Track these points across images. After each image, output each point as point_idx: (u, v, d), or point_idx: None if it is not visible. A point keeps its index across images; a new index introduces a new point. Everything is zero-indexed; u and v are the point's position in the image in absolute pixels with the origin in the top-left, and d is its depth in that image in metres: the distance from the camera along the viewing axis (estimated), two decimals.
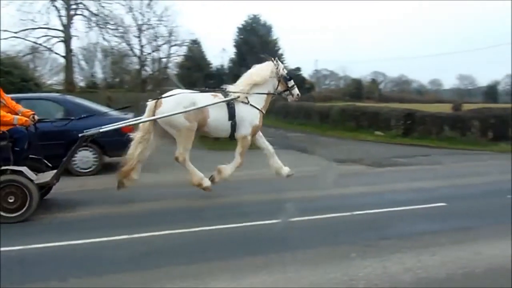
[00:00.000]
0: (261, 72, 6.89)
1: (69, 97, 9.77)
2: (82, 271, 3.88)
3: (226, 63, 40.18)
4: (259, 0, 62.65)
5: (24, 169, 5.47)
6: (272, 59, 7.09)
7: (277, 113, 24.26)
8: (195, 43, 34.97)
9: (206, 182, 6.52)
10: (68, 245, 4.54)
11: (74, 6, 27.37)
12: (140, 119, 6.58)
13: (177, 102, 6.41)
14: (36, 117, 5.86)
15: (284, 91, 7.12)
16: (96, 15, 27.57)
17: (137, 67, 31.01)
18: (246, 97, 6.69)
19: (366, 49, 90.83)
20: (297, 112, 24.05)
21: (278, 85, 7.04)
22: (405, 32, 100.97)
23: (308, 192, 7.01)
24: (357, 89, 50.92)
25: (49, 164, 6.15)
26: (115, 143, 7.77)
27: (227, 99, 6.60)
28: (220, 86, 7.03)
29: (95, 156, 8.59)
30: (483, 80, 73.33)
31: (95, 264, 4.06)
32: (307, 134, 18.06)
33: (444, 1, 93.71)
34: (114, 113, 8.72)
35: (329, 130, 19.13)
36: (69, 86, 26.49)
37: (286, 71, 7.15)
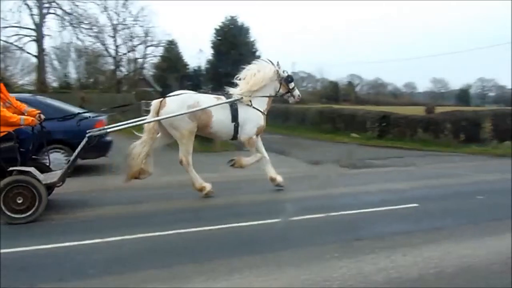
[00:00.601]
0: (262, 75, 6.98)
1: (40, 98, 9.47)
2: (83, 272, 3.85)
3: (203, 64, 40.00)
4: (236, 0, 62.47)
5: (32, 169, 5.45)
6: (272, 62, 7.21)
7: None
8: (171, 43, 34.70)
9: (208, 187, 6.64)
10: (66, 247, 4.48)
11: (46, 5, 26.81)
12: (144, 119, 6.67)
13: (182, 102, 6.49)
14: (42, 116, 5.83)
15: (286, 93, 7.31)
16: (69, 14, 27.11)
17: (112, 67, 30.57)
18: (250, 100, 6.84)
19: (343, 52, 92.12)
20: (274, 114, 24.09)
21: (280, 88, 7.20)
22: (381, 35, 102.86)
23: (283, 194, 7.02)
24: (334, 91, 51.55)
25: (48, 164, 6.09)
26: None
27: (230, 100, 6.74)
28: (223, 89, 7.18)
29: (67, 158, 8.37)
30: (455, 83, 75.20)
31: (88, 267, 3.97)
32: (284, 136, 18.11)
33: (420, 6, 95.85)
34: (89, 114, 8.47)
35: (306, 132, 19.26)
36: (41, 86, 25.90)
37: (287, 74, 7.30)
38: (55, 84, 31.79)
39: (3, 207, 5.21)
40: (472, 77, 68.79)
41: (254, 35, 40.27)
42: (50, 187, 5.80)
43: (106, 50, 29.72)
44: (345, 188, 7.70)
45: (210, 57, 38.90)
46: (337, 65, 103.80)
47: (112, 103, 18.40)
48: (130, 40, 29.93)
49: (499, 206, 6.43)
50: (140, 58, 31.26)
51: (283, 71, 7.23)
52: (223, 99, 6.81)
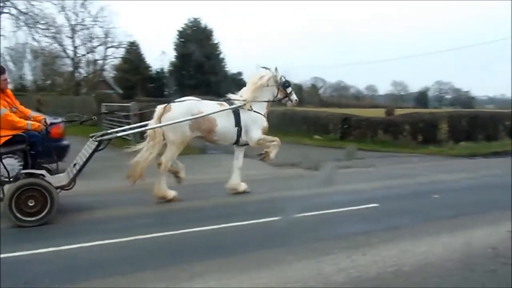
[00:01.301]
0: (261, 81, 7.21)
1: None
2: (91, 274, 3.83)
3: (166, 66, 39.53)
4: (198, 0, 62.09)
5: (44, 172, 5.53)
6: (270, 68, 7.39)
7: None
8: (133, 45, 34.05)
9: (171, 194, 6.58)
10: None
11: (0, 4, 25.62)
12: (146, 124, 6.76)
13: (186, 109, 6.60)
14: (48, 121, 5.94)
15: (284, 97, 7.53)
16: (25, 13, 26.03)
17: (70, 69, 29.60)
18: (250, 105, 7.06)
19: (307, 55, 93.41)
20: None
21: (277, 93, 7.43)
22: (343, 39, 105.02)
23: (246, 197, 7.01)
24: (297, 94, 51.96)
25: (50, 168, 5.95)
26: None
27: (233, 106, 6.94)
28: (225, 95, 7.32)
29: (20, 164, 7.97)
30: (414, 86, 77.81)
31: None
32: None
33: (382, 12, 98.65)
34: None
35: (269, 134, 19.31)
36: None
37: (284, 79, 7.46)
38: (10, 86, 30.43)
39: (14, 210, 5.16)
40: (430, 80, 71.55)
41: (218, 37, 40.21)
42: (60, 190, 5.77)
43: (64, 51, 28.81)
44: (307, 190, 7.76)
45: (173, 59, 38.60)
46: (301, 67, 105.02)
47: (70, 106, 17.84)
48: (90, 41, 29.11)
49: (454, 205, 6.69)
50: (100, 60, 30.43)
51: (281, 77, 7.41)
52: (225, 105, 6.99)
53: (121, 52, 32.00)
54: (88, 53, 29.44)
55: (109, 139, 6.09)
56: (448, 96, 71.99)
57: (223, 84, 35.96)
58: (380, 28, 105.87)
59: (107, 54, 30.34)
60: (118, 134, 6.41)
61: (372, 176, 9.40)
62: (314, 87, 63.68)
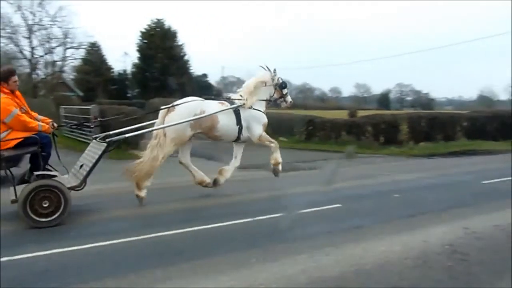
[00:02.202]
0: (259, 80, 7.55)
1: None
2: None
3: (129, 67, 38.78)
4: (161, 0, 61.33)
5: (57, 173, 5.68)
6: (269, 69, 7.67)
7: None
8: (93, 46, 33.16)
9: (142, 195, 6.53)
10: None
11: None
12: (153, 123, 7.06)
13: (189, 109, 6.83)
14: (55, 124, 6.07)
15: (279, 98, 7.83)
16: None
17: (28, 70, 28.42)
18: (250, 103, 7.33)
19: (272, 57, 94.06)
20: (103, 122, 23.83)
21: (274, 93, 7.72)
22: (308, 41, 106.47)
23: (209, 200, 6.99)
24: None
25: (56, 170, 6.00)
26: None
27: (234, 106, 7.20)
28: (226, 95, 7.86)
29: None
30: (377, 88, 79.87)
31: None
32: (213, 141, 18.01)
33: (345, 15, 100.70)
34: None
35: None
36: None
37: (281, 80, 7.77)
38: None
39: (29, 211, 5.20)
40: (391, 83, 73.69)
41: (182, 38, 39.81)
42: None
43: (21, 52, 27.67)
44: (271, 192, 7.78)
45: (136, 61, 37.87)
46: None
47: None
48: (48, 42, 28.06)
49: (414, 204, 6.88)
50: (59, 61, 29.36)
51: (278, 78, 7.70)
52: (226, 104, 7.23)
53: (81, 53, 31.08)
54: (46, 54, 28.40)
55: (118, 140, 6.25)
56: (409, 98, 74.33)
57: (187, 86, 35.69)
58: (344, 31, 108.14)
59: (67, 55, 29.30)
60: (127, 135, 6.56)
61: (336, 177, 9.53)
62: None
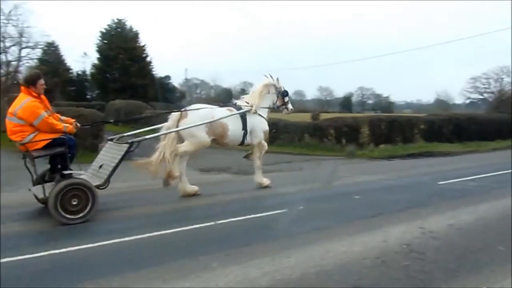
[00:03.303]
0: (264, 87, 8.11)
1: None
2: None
3: (88, 68, 37.74)
4: (121, 0, 60.12)
5: (83, 173, 6.10)
6: (272, 77, 8.26)
7: (144, 122, 23.33)
8: (51, 45, 32.01)
9: (176, 180, 7.22)
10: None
11: None
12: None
13: (201, 116, 7.23)
14: (78, 125, 6.25)
15: (281, 105, 8.42)
16: None
17: None
18: (255, 110, 7.85)
19: (235, 60, 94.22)
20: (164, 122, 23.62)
21: (277, 100, 8.33)
22: (272, 44, 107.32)
23: (172, 205, 6.88)
24: (227, 98, 52.26)
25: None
26: None
27: (242, 111, 7.66)
28: (231, 101, 8.42)
29: None
30: (339, 91, 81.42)
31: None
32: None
33: (309, 18, 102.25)
34: None
35: None
36: None
37: (283, 89, 8.37)
38: None
39: (59, 209, 5.42)
40: (353, 86, 75.42)
41: (144, 39, 39.16)
42: None
43: None
44: (235, 195, 7.76)
45: (96, 62, 36.90)
46: (230, 72, 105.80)
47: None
48: (2, 41, 26.83)
49: (373, 204, 7.03)
50: (14, 61, 28.13)
51: (280, 86, 8.32)
52: (233, 110, 7.68)
53: (37, 53, 29.90)
54: (0, 53, 27.16)
55: (139, 142, 6.53)
56: (370, 101, 76.26)
57: (150, 88, 35.09)
58: (308, 34, 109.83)
59: (22, 55, 28.09)
60: (147, 137, 6.93)
61: (298, 179, 9.62)
62: (244, 92, 64.22)
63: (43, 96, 5.97)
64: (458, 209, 6.60)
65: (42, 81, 5.93)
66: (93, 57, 37.70)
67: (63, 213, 5.45)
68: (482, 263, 4.29)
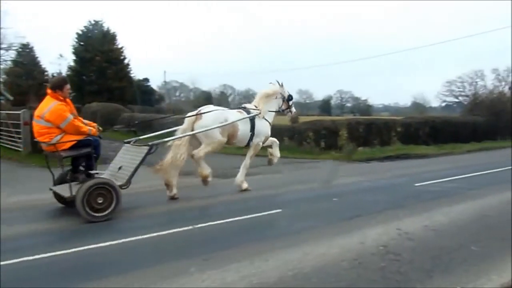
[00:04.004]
0: (271, 92, 8.59)
1: None
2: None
3: (64, 70, 37.05)
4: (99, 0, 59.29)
5: (106, 173, 6.45)
6: (278, 83, 8.72)
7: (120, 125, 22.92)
8: (26, 47, 31.29)
9: (210, 177, 7.76)
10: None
11: None
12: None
13: (214, 118, 7.59)
14: (100, 128, 6.59)
15: (286, 109, 8.91)
16: None
17: None
18: (263, 114, 8.31)
19: (215, 62, 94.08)
20: (142, 125, 23.29)
21: (282, 104, 8.81)
22: (252, 47, 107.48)
23: (145, 210, 6.79)
24: (207, 101, 52.07)
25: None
26: None
27: (252, 114, 8.11)
28: (242, 105, 8.74)
29: None
30: (319, 94, 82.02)
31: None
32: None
33: (290, 22, 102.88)
34: None
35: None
36: None
37: (288, 93, 8.87)
38: None
39: (86, 207, 5.67)
40: (332, 89, 76.11)
41: (122, 41, 38.70)
42: None
43: None
44: (213, 198, 7.71)
45: (72, 64, 36.28)
46: (209, 75, 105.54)
47: None
48: None
49: (351, 207, 7.11)
50: None
51: (286, 91, 8.81)
52: (243, 112, 8.11)
53: (12, 54, 29.25)
54: None
55: (158, 144, 6.89)
56: (348, 104, 77.20)
57: (128, 91, 34.65)
58: (289, 37, 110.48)
59: None
60: (166, 139, 7.35)
61: (277, 182, 9.64)
62: (223, 95, 64.21)
63: (68, 100, 6.31)
64: (433, 210, 6.72)
65: (68, 86, 6.30)
66: (69, 59, 37.12)
67: (89, 211, 5.72)
68: (456, 263, 4.38)
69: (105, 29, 37.02)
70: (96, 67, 33.92)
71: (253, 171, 10.57)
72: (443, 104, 50.06)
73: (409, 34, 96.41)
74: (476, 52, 75.75)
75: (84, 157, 6.21)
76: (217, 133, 7.59)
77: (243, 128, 7.99)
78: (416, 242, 5.06)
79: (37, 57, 34.38)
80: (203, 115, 7.62)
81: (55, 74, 34.97)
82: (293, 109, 9.11)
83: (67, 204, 6.24)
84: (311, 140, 16.98)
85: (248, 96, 70.17)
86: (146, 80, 43.87)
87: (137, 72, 52.41)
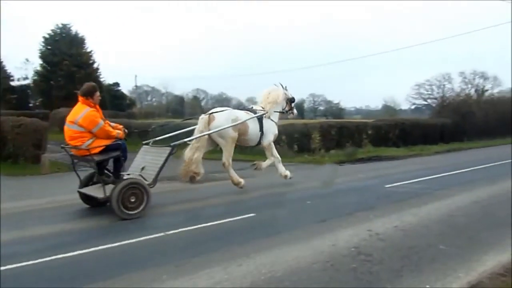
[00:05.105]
0: (277, 95, 9.28)
1: None
2: None
3: (30, 75, 36.02)
4: (66, 0, 58.01)
5: (136, 174, 6.84)
6: (282, 86, 9.47)
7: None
8: None
9: (243, 182, 8.60)
10: None
11: None
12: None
13: (226, 117, 8.34)
14: (126, 131, 6.97)
15: (288, 110, 9.64)
16: None
17: None
18: (269, 115, 9.03)
19: (187, 66, 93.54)
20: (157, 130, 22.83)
21: (286, 106, 9.51)
22: (224, 51, 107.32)
23: (112, 217, 6.59)
24: (179, 105, 51.71)
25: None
26: None
27: (259, 114, 8.82)
28: (251, 107, 9.50)
29: None
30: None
31: None
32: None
33: (262, 25, 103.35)
34: None
35: None
36: None
37: (291, 96, 9.58)
38: None
39: (121, 205, 6.10)
40: (305, 93, 76.76)
41: (91, 45, 37.94)
42: None
43: None
44: (185, 204, 7.63)
45: (39, 68, 35.29)
46: (182, 79, 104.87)
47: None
48: None
49: (324, 209, 7.17)
50: None
51: (289, 94, 9.53)
52: (251, 114, 8.75)
53: None
54: None
55: (179, 144, 7.53)
56: (321, 108, 77.99)
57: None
58: (260, 41, 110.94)
59: None
60: (186, 139, 8.02)
61: (251, 186, 9.60)
62: (196, 99, 63.84)
63: (97, 106, 6.67)
64: (403, 211, 6.86)
65: (98, 93, 6.73)
66: (36, 63, 36.10)
67: (124, 210, 6.14)
68: (424, 262, 4.48)
69: (73, 32, 36.25)
70: (64, 72, 33.07)
71: (225, 175, 10.55)
72: (413, 107, 51.36)
73: (380, 38, 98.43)
74: (444, 56, 78.13)
75: (115, 159, 6.63)
76: (230, 130, 8.31)
77: (253, 127, 8.69)
78: (386, 243, 5.15)
79: (1, 62, 33.32)
80: (215, 116, 8.30)
81: (21, 79, 34.02)
82: (295, 111, 9.84)
83: (93, 205, 6.83)
84: (284, 144, 17.04)
85: (222, 100, 70.13)
86: (117, 84, 43.15)
87: (107, 76, 51.42)
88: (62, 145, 6.79)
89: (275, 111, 9.26)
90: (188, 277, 4.04)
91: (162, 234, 5.48)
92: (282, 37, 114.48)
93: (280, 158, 9.42)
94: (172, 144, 7.27)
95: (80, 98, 6.56)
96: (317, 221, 6.23)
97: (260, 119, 8.80)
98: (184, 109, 48.52)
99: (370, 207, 7.15)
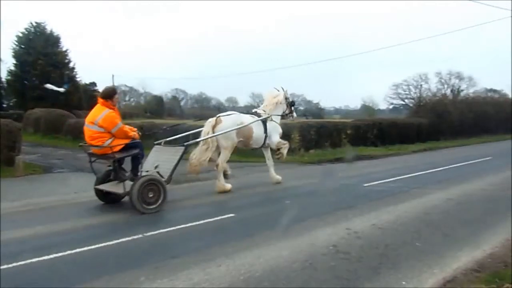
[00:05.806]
0: (278, 98, 9.73)
1: None
2: None
3: (3, 75, 35.10)
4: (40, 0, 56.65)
5: (155, 171, 7.16)
6: (283, 90, 9.87)
7: (66, 131, 21.97)
8: None
9: (228, 187, 8.64)
10: None
11: None
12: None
13: (233, 120, 8.74)
14: (140, 133, 7.33)
15: (289, 113, 10.01)
16: None
17: None
18: (271, 117, 9.45)
19: (166, 66, 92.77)
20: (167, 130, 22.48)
21: (286, 109, 9.89)
22: (203, 51, 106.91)
23: (93, 219, 6.56)
24: (158, 105, 51.18)
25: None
26: None
27: (263, 117, 9.26)
28: (254, 111, 9.68)
29: None
30: None
31: None
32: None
33: (242, 27, 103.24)
34: None
35: None
36: None
37: (291, 99, 10.12)
38: None
39: (140, 200, 6.47)
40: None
41: (66, 44, 37.18)
42: None
43: None
44: (164, 205, 7.53)
45: (13, 68, 34.42)
46: (161, 79, 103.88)
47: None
48: None
49: (303, 208, 7.20)
50: None
51: (290, 97, 10.06)
52: (255, 117, 9.21)
53: None
54: None
55: (191, 144, 8.20)
56: (301, 108, 78.41)
57: (73, 95, 33.30)
58: (239, 41, 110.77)
59: None
60: (197, 140, 8.49)
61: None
62: (175, 99, 63.35)
63: (116, 108, 7.03)
64: (381, 209, 6.96)
65: (117, 95, 7.19)
66: (9, 62, 35.17)
67: (143, 204, 6.48)
68: (401, 259, 4.55)
69: (48, 31, 35.45)
70: (38, 71, 32.31)
71: (204, 176, 10.52)
72: (391, 107, 52.19)
73: (358, 39, 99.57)
74: (422, 56, 79.52)
75: (134, 157, 7.00)
76: (234, 134, 8.63)
77: (257, 131, 9.07)
78: (364, 241, 5.21)
79: None
80: (222, 119, 8.69)
81: None
82: (294, 114, 10.21)
83: (108, 201, 7.25)
84: None
85: (201, 100, 69.83)
86: (93, 84, 42.31)
87: (83, 76, 50.52)
88: (81, 144, 7.19)
89: (277, 115, 9.66)
90: (166, 279, 4.00)
91: (140, 236, 5.41)
92: (261, 38, 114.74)
93: (273, 163, 9.74)
94: (185, 143, 7.88)
95: (100, 100, 6.87)
96: (296, 221, 6.24)
97: (264, 122, 9.22)
98: (164, 109, 48.06)
99: (349, 206, 7.23)
